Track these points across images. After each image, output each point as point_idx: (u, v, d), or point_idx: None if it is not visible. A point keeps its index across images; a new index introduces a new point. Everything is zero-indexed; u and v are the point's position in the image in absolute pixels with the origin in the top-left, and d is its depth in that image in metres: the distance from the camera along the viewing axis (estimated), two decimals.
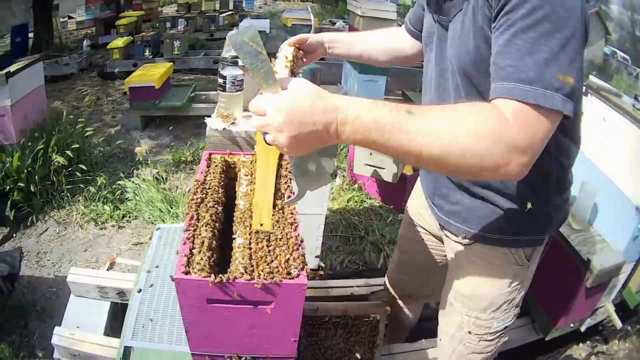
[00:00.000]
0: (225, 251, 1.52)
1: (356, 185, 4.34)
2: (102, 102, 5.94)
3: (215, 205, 1.62)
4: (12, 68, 3.93)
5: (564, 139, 1.38)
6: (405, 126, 0.97)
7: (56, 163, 3.92)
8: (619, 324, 2.97)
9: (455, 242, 1.67)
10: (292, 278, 1.35)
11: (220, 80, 2.25)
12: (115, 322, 2.47)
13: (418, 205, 1.93)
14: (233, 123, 2.25)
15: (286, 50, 1.54)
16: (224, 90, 2.26)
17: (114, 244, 3.67)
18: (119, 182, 4.20)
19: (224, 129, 2.22)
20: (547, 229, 1.54)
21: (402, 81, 6.05)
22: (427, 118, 0.99)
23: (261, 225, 1.37)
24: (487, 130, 0.97)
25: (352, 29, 4.92)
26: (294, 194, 1.23)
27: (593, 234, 2.66)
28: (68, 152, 4.03)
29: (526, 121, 0.99)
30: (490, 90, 1.06)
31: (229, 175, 1.89)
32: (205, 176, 1.77)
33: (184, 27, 7.61)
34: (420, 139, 0.97)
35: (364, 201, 4.23)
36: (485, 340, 1.72)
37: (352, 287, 2.60)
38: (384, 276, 2.33)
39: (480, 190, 1.48)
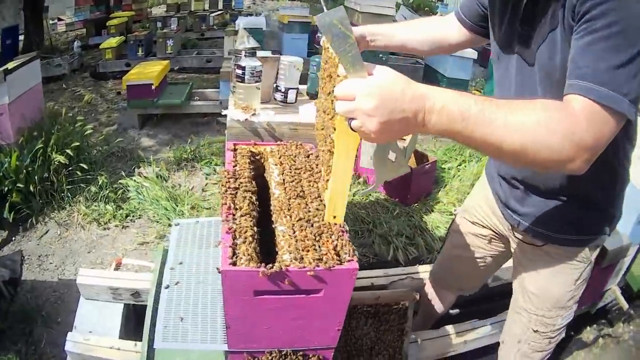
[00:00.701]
0: (262, 241, 1.47)
1: (361, 179, 4.29)
2: (96, 101, 5.84)
3: (251, 195, 1.57)
4: (10, 65, 3.82)
5: (626, 143, 1.47)
6: (490, 117, 1.01)
7: (56, 162, 3.81)
8: (625, 305, 3.06)
9: (527, 243, 1.76)
10: (342, 263, 1.31)
11: (239, 72, 2.19)
12: (129, 325, 2.40)
13: (485, 207, 1.98)
14: (254, 114, 2.19)
15: None
16: (242, 81, 2.20)
17: (119, 244, 3.58)
18: (120, 181, 4.10)
19: (245, 119, 2.16)
20: (611, 228, 1.64)
21: None
22: (509, 112, 1.02)
23: (334, 217, 1.30)
24: (561, 126, 1.03)
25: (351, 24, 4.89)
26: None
27: None
28: (68, 151, 3.92)
29: (596, 120, 1.06)
30: (564, 88, 1.13)
31: (256, 165, 1.85)
32: (234, 166, 1.72)
33: (176, 27, 7.56)
34: (502, 132, 1.01)
35: (370, 195, 4.19)
36: (549, 338, 1.84)
37: (372, 277, 2.60)
38: (398, 267, 2.48)
39: (555, 194, 1.57)
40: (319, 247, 1.37)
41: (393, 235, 3.68)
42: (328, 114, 1.32)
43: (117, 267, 2.88)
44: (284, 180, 1.69)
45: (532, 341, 1.87)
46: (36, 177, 3.70)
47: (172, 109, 5.36)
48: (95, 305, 2.38)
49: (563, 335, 1.89)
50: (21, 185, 3.60)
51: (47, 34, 7.58)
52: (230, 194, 1.56)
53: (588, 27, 1.12)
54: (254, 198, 1.58)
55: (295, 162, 1.80)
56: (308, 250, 1.34)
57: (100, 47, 6.68)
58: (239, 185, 1.61)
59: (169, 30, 7.28)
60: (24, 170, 3.65)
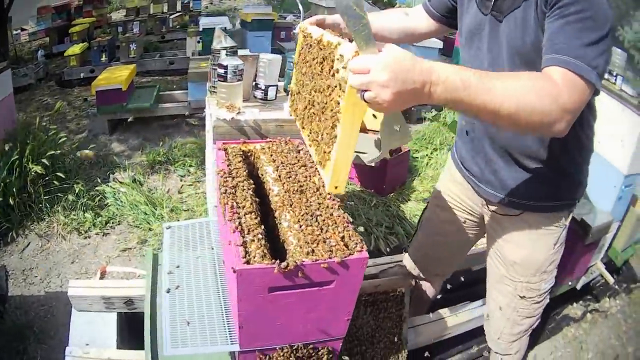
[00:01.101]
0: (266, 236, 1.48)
1: None
2: (64, 109, 5.72)
3: (252, 193, 1.57)
4: None
5: (590, 116, 1.65)
6: (488, 85, 1.15)
7: (33, 173, 3.74)
8: (610, 279, 3.21)
9: (503, 215, 1.87)
10: (353, 253, 1.33)
11: (221, 71, 2.18)
12: (122, 334, 2.37)
13: (455, 190, 2.09)
14: (239, 112, 2.19)
15: (312, 29, 1.66)
16: (225, 80, 2.19)
17: (101, 252, 3.54)
18: (96, 188, 4.06)
19: (232, 118, 2.16)
20: (580, 193, 1.81)
21: None
22: (502, 81, 1.18)
23: (336, 188, 1.40)
24: (547, 92, 1.19)
25: None
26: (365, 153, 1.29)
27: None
28: (44, 161, 3.84)
29: (574, 87, 1.23)
30: (542, 62, 1.31)
31: (248, 163, 1.85)
32: (228, 165, 1.71)
33: (138, 30, 7.46)
34: (500, 98, 1.15)
35: (346, 187, 4.20)
36: (536, 303, 1.94)
37: None
38: (381, 256, 2.56)
39: (530, 163, 1.70)
40: (327, 239, 1.38)
41: (373, 226, 3.73)
42: (322, 92, 1.45)
43: (103, 275, 2.84)
44: (279, 176, 1.69)
45: (521, 307, 1.95)
46: (14, 189, 3.63)
47: (141, 113, 5.31)
48: (88, 317, 2.34)
49: (548, 300, 1.99)
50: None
51: (12, 44, 7.43)
52: (230, 193, 1.56)
53: (561, 12, 1.30)
54: (254, 195, 1.58)
55: (287, 157, 1.81)
56: (317, 243, 1.35)
57: (65, 54, 6.57)
58: (236, 183, 1.61)
59: (131, 34, 7.19)
60: (1, 183, 3.58)
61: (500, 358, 2.16)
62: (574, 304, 3.37)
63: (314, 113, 1.55)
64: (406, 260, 2.42)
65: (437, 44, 5.78)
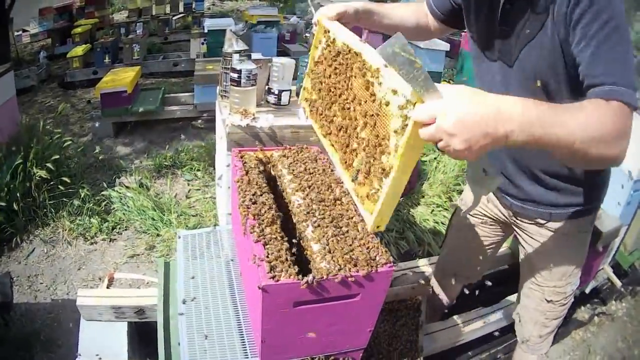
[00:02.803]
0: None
1: None
2: (67, 112, 5.69)
3: (272, 203, 1.54)
4: None
5: None
6: (561, 119, 1.10)
7: (37, 177, 3.70)
8: (618, 283, 3.24)
9: (530, 224, 1.88)
10: (379, 266, 1.30)
11: (234, 75, 2.15)
12: (133, 344, 2.33)
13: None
14: (254, 118, 2.15)
15: (332, 27, 1.61)
16: (238, 85, 2.16)
17: (108, 258, 3.50)
18: (102, 192, 4.01)
19: (247, 125, 2.12)
20: (603, 194, 1.81)
21: None
22: (571, 113, 1.13)
23: (377, 227, 1.33)
24: (611, 123, 1.16)
25: None
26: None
27: None
28: (49, 165, 3.79)
29: (625, 115, 1.20)
30: (587, 93, 1.26)
31: (266, 171, 1.81)
32: (247, 175, 1.67)
33: (142, 31, 7.43)
34: (573, 131, 1.11)
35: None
36: (562, 305, 1.99)
37: None
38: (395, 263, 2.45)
39: (552, 178, 1.71)
40: (352, 251, 1.35)
41: (383, 231, 3.68)
42: (364, 116, 1.37)
43: (110, 282, 2.79)
44: (300, 185, 1.66)
45: (548, 311, 2.00)
46: (18, 194, 3.59)
47: (146, 116, 5.26)
48: (98, 326, 2.29)
49: (572, 299, 2.03)
50: (3, 204, 3.48)
51: (14, 45, 7.41)
52: (251, 203, 1.52)
53: (585, 32, 1.27)
54: (274, 205, 1.54)
55: (306, 166, 1.77)
56: (342, 256, 1.32)
57: (68, 56, 6.53)
58: (256, 193, 1.57)
59: (134, 35, 7.15)
60: (5, 188, 3.54)
61: (529, 357, 2.20)
62: (582, 308, 3.39)
63: (350, 136, 1.46)
64: (427, 260, 2.51)
65: (444, 46, 5.74)
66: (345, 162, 1.49)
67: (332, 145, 1.57)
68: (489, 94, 1.07)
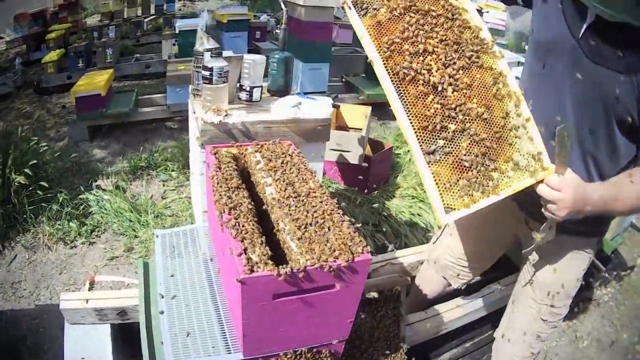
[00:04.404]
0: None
1: None
2: (43, 117, 5.64)
3: (246, 198, 1.55)
4: None
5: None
6: (621, 197, 1.55)
7: (16, 183, 3.66)
8: (601, 267, 3.30)
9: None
10: (356, 255, 1.31)
11: (206, 73, 2.15)
12: (116, 345, 2.33)
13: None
14: (226, 115, 2.16)
15: None
16: (210, 82, 2.15)
17: (88, 261, 3.48)
18: (80, 196, 3.97)
19: (220, 121, 2.13)
20: (607, 225, 1.95)
21: (342, 67, 6.36)
22: (628, 188, 1.53)
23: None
24: None
25: (292, 20, 4.87)
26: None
27: None
28: (27, 171, 3.75)
29: None
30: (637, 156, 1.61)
31: (240, 166, 1.83)
32: (221, 171, 1.68)
33: (114, 35, 7.36)
34: (630, 202, 1.56)
35: (329, 186, 4.20)
36: (553, 327, 2.04)
37: None
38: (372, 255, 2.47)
39: None
40: (328, 242, 1.36)
41: (359, 225, 3.69)
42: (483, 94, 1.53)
43: (92, 285, 2.79)
44: (273, 179, 1.67)
45: (539, 331, 2.02)
46: None
47: (120, 118, 5.22)
48: (82, 330, 2.30)
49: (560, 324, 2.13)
50: None
51: None
52: (225, 198, 1.53)
53: None
54: (249, 200, 1.56)
55: (279, 160, 1.78)
56: (319, 247, 1.33)
57: (42, 61, 6.44)
58: (230, 188, 1.58)
59: (107, 39, 7.07)
60: None
61: None
62: None
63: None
64: (403, 252, 2.57)
65: None
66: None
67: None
68: (585, 184, 1.52)
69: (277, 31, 5.07)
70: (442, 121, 1.45)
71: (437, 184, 1.43)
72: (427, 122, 1.44)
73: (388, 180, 4.35)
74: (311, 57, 5.06)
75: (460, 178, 1.45)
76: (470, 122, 1.47)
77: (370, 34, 1.49)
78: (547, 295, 1.94)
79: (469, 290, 2.73)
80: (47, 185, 3.87)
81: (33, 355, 2.74)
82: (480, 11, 11.35)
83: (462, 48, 1.53)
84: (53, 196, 3.87)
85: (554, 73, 1.64)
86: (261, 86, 2.44)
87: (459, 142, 1.46)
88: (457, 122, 1.46)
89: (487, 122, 1.49)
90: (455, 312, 2.60)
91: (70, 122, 5.22)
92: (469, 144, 1.47)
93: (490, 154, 1.48)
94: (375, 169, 4.07)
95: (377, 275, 2.50)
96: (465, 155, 1.46)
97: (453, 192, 1.44)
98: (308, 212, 1.49)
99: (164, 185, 4.36)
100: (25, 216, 3.69)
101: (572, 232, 1.78)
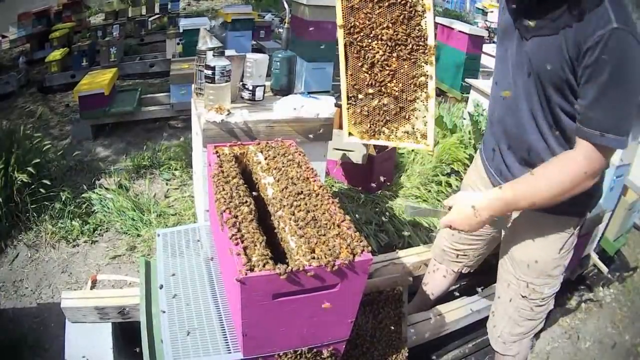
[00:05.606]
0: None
1: None
2: (46, 116, 5.66)
3: (247, 197, 1.54)
4: None
5: None
6: (528, 193, 1.65)
7: (19, 182, 3.65)
8: (604, 268, 3.25)
9: (517, 213, 1.96)
10: (357, 255, 1.31)
11: (208, 72, 2.15)
12: (118, 343, 2.33)
13: (479, 184, 2.16)
14: (229, 114, 2.16)
15: None
16: (212, 81, 2.16)
17: (91, 260, 3.48)
18: (82, 195, 3.97)
19: (222, 120, 2.13)
20: (592, 205, 1.94)
21: None
22: (536, 177, 1.62)
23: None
24: (573, 171, 1.56)
25: (296, 19, 4.86)
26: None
27: None
28: (30, 169, 3.75)
29: (597, 158, 1.52)
30: (574, 127, 1.57)
31: (241, 166, 1.82)
32: (222, 170, 1.68)
33: (118, 34, 7.37)
34: (540, 191, 1.62)
35: (333, 185, 4.19)
36: (538, 306, 2.01)
37: None
38: (375, 255, 2.56)
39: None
40: (329, 241, 1.36)
41: (362, 224, 3.70)
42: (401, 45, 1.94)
43: (94, 284, 2.79)
44: (275, 178, 1.67)
45: (521, 308, 2.02)
46: (0, 199, 3.55)
47: (124, 117, 5.23)
48: (83, 329, 2.29)
49: (552, 306, 2.06)
50: None
51: None
52: (226, 198, 1.52)
53: (592, 75, 1.45)
54: (250, 199, 1.55)
55: (281, 159, 1.78)
56: (319, 246, 1.33)
57: (46, 60, 6.46)
58: (231, 187, 1.58)
59: (111, 38, 7.09)
60: None
61: (499, 358, 2.20)
62: (569, 295, 3.40)
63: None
64: (405, 252, 2.59)
65: None
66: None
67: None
68: (479, 199, 1.72)
69: (281, 30, 5.07)
70: (366, 86, 2.03)
71: (348, 118, 2.11)
72: (355, 81, 2.04)
73: (392, 180, 4.34)
74: (315, 57, 5.04)
75: (363, 122, 2.09)
76: (383, 94, 2.02)
77: (343, 14, 1.96)
78: (524, 272, 1.96)
79: (471, 292, 2.73)
80: (49, 184, 3.86)
81: (34, 353, 2.73)
82: (484, 11, 11.37)
83: (407, 43, 1.92)
84: (56, 195, 3.87)
85: (509, 54, 1.75)
86: (264, 85, 2.44)
87: (370, 102, 2.05)
88: (374, 90, 2.02)
89: (396, 99, 2.01)
90: (457, 313, 2.61)
91: (73, 120, 5.24)
92: (377, 105, 2.05)
93: (388, 117, 2.06)
94: (378, 169, 4.05)
95: (379, 275, 2.50)
96: (372, 110, 2.06)
97: (356, 127, 2.11)
98: (309, 212, 1.48)
99: (167, 184, 4.35)
100: (27, 214, 3.69)
101: (550, 210, 1.78)
